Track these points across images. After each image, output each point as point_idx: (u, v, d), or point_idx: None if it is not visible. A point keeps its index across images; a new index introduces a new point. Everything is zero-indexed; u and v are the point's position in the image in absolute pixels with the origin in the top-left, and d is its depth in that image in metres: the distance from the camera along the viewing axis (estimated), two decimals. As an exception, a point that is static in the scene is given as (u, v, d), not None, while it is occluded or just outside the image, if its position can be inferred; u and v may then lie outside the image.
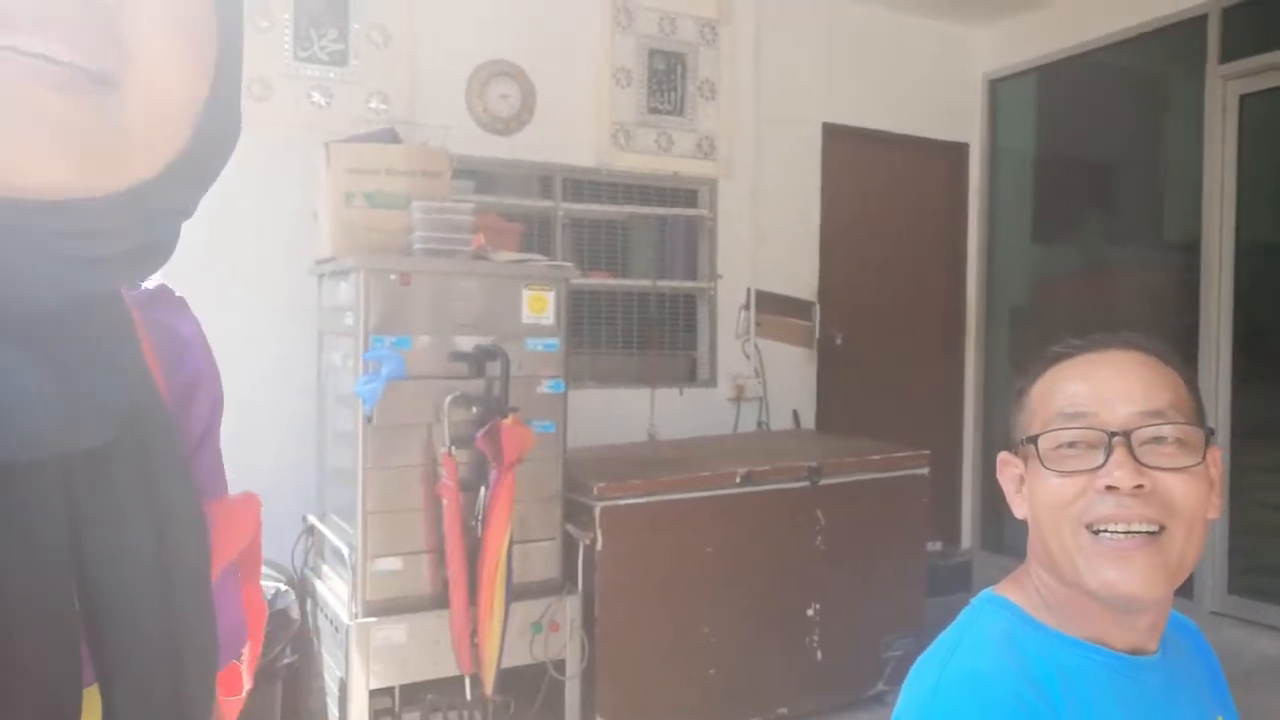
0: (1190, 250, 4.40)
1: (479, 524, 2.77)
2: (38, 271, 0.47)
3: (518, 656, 2.89)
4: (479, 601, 2.75)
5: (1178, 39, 4.41)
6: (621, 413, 4.25)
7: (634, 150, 4.22)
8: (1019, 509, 0.96)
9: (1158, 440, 0.88)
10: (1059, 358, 0.96)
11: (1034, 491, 0.93)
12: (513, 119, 3.96)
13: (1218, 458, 0.91)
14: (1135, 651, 0.91)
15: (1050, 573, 0.92)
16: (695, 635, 3.23)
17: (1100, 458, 0.87)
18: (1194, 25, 4.31)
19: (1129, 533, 0.86)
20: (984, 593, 0.98)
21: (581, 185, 4.21)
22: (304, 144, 3.28)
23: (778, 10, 4.60)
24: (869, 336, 4.92)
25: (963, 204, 5.33)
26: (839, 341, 4.83)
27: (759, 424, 4.61)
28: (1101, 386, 0.91)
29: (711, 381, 4.53)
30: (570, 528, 3.02)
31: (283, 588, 2.91)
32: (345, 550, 2.79)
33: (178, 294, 0.72)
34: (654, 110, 4.25)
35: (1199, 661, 1.01)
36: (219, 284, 3.50)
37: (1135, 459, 0.86)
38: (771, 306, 4.67)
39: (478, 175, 3.96)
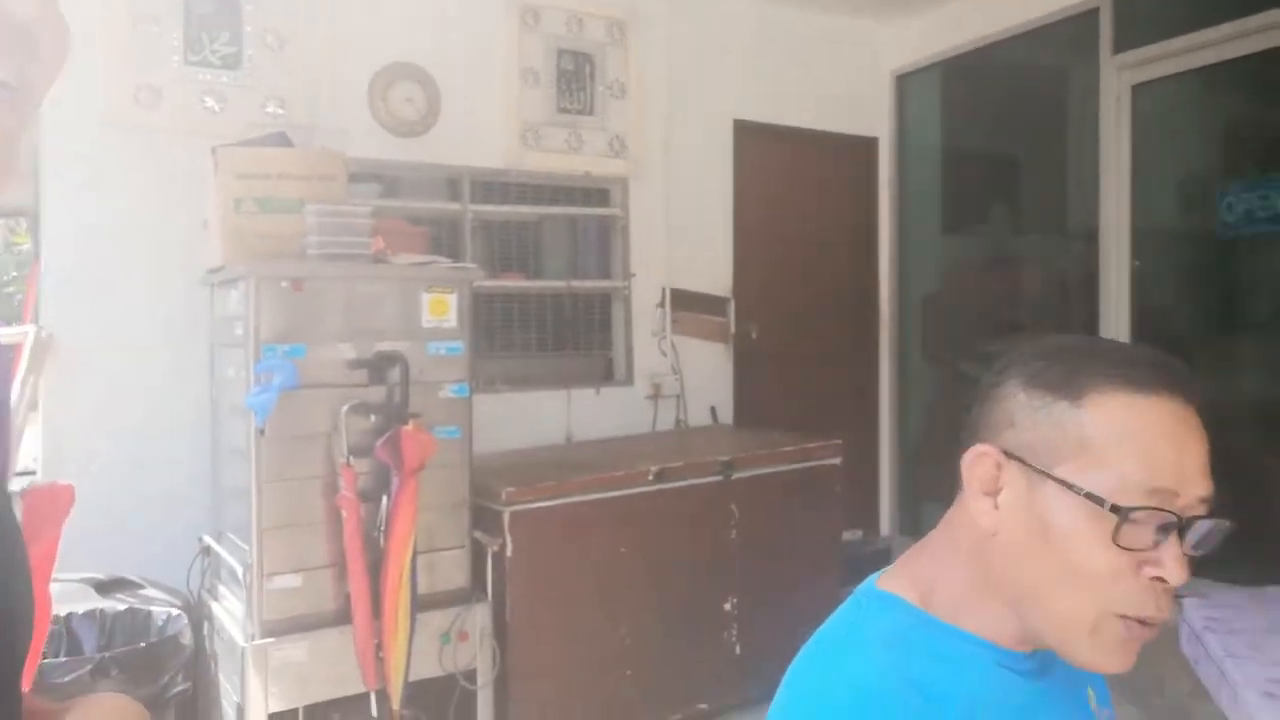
0: (1091, 239, 4.53)
1: (381, 535, 2.71)
2: None
3: (426, 669, 2.84)
4: (383, 614, 2.69)
5: (1072, 31, 4.53)
6: (538, 416, 4.21)
7: (544, 150, 4.19)
8: (984, 518, 0.84)
9: None
10: (1132, 386, 0.81)
11: (1055, 536, 0.81)
12: (418, 121, 3.90)
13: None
14: (1019, 644, 0.89)
15: (994, 598, 0.86)
16: (611, 637, 3.21)
17: (1150, 538, 0.78)
18: (1087, 18, 4.43)
19: (1151, 626, 0.80)
20: (868, 585, 0.92)
21: (491, 187, 4.16)
22: (197, 151, 3.17)
23: (687, 9, 4.61)
24: (784, 330, 4.96)
25: (874, 197, 5.40)
26: (755, 336, 4.86)
27: (677, 422, 4.61)
28: (1186, 458, 0.80)
29: (628, 380, 4.52)
30: (478, 534, 2.98)
31: (174, 612, 2.82)
32: (240, 569, 2.71)
33: None
34: (563, 110, 4.21)
35: None
36: (108, 297, 3.38)
37: (1185, 550, 0.79)
38: (687, 304, 4.68)
39: (383, 179, 3.89)
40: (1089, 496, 0.78)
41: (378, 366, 2.73)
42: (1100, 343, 0.87)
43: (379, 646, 2.71)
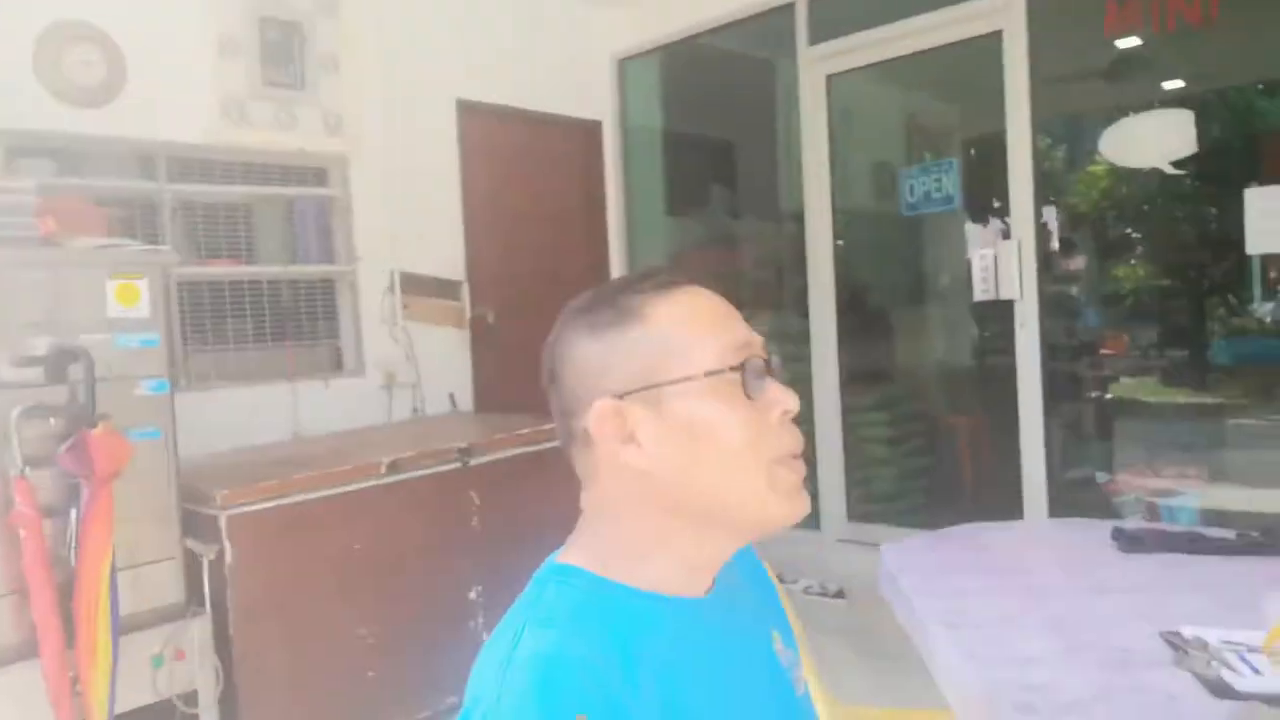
0: (800, 220, 4.87)
1: (71, 553, 2.40)
2: None
3: (137, 697, 2.56)
4: (78, 642, 2.39)
5: (774, 23, 4.84)
6: (259, 413, 3.92)
7: (250, 126, 3.87)
8: (637, 459, 0.86)
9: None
10: (671, 285, 0.90)
11: (704, 431, 0.85)
12: (99, 89, 3.47)
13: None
14: (705, 593, 0.91)
15: (662, 547, 0.89)
16: (350, 639, 3.05)
17: (760, 388, 0.87)
18: (785, 10, 4.74)
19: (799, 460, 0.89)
20: (547, 563, 0.92)
21: (191, 164, 3.80)
22: None
23: (399, -19, 4.44)
24: (520, 313, 4.93)
25: (600, 180, 5.50)
26: (491, 320, 4.81)
27: (414, 411, 4.47)
28: (737, 322, 0.90)
29: (359, 371, 4.32)
30: (190, 543, 2.72)
31: None
32: (-111, 608, 2.30)
33: None
34: (271, 83, 3.92)
35: (751, 582, 1.05)
36: None
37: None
38: (418, 288, 4.53)
39: (59, 154, 3.43)
40: (710, 374, 0.85)
41: (56, 363, 2.41)
42: (612, 281, 0.94)
43: (75, 680, 2.39)
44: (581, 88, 5.33)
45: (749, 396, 0.85)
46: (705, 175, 5.75)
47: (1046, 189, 5.42)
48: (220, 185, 3.88)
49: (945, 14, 4.20)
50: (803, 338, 4.80)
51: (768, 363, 0.88)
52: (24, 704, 2.36)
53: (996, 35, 4.04)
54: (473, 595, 3.41)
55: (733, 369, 0.85)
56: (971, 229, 4.96)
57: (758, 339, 0.90)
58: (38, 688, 2.36)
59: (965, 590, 1.79)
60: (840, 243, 4.82)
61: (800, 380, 4.73)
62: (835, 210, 4.77)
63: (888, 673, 3.31)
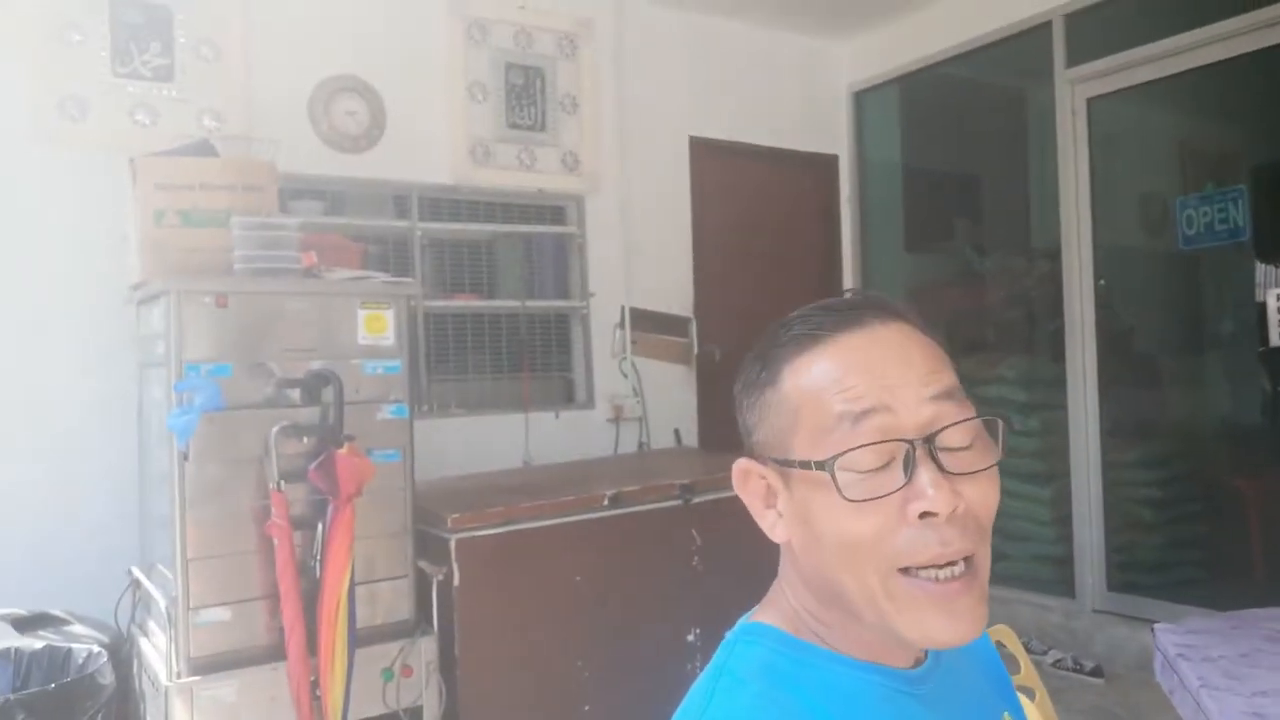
0: (1054, 256, 4.47)
1: (317, 564, 2.55)
2: None
3: (368, 707, 2.66)
4: (320, 650, 2.52)
5: (1026, 46, 4.51)
6: (494, 440, 4.07)
7: (494, 167, 4.07)
8: (776, 531, 0.79)
9: (951, 439, 0.72)
10: (807, 340, 0.76)
11: (815, 520, 0.74)
12: (362, 136, 3.77)
13: (1005, 439, 0.77)
14: (914, 664, 0.79)
15: (832, 605, 0.77)
16: (567, 670, 3.04)
17: (900, 475, 0.70)
18: (1040, 32, 4.41)
19: (949, 570, 0.70)
20: (741, 622, 0.85)
21: (440, 204, 4.04)
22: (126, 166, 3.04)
23: (637, 25, 4.54)
24: (748, 351, 4.85)
25: (835, 215, 5.34)
26: (718, 357, 4.75)
27: (640, 445, 4.48)
28: (882, 373, 0.72)
29: (589, 403, 4.39)
30: (422, 563, 2.82)
31: (95, 650, 2.62)
32: (164, 602, 2.53)
33: None
34: (514, 125, 4.11)
35: (976, 657, 0.91)
36: (33, 317, 3.21)
37: (943, 469, 0.70)
38: (647, 324, 4.56)
39: (326, 195, 3.76)
40: (800, 465, 0.73)
41: (310, 386, 2.58)
42: (785, 320, 0.80)
43: (315, 684, 2.53)
44: (816, 122, 5.21)
45: (848, 499, 0.71)
46: (947, 209, 5.43)
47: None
48: (465, 223, 4.09)
49: (1229, 25, 3.73)
50: (1056, 384, 4.37)
51: (925, 445, 0.71)
52: (271, 700, 2.52)
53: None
54: (690, 638, 3.32)
55: (816, 465, 0.72)
56: (1264, 268, 4.34)
57: (914, 398, 0.72)
58: (283, 687, 2.51)
59: (1270, 691, 1.49)
60: (1101, 282, 4.37)
61: (1053, 431, 4.31)
62: (1096, 246, 4.33)
63: (1157, 769, 2.88)
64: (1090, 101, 4.30)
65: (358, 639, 2.59)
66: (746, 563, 3.43)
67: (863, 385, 0.72)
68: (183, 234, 2.61)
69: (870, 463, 0.71)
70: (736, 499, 2.98)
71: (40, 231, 3.23)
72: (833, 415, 0.72)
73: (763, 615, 0.83)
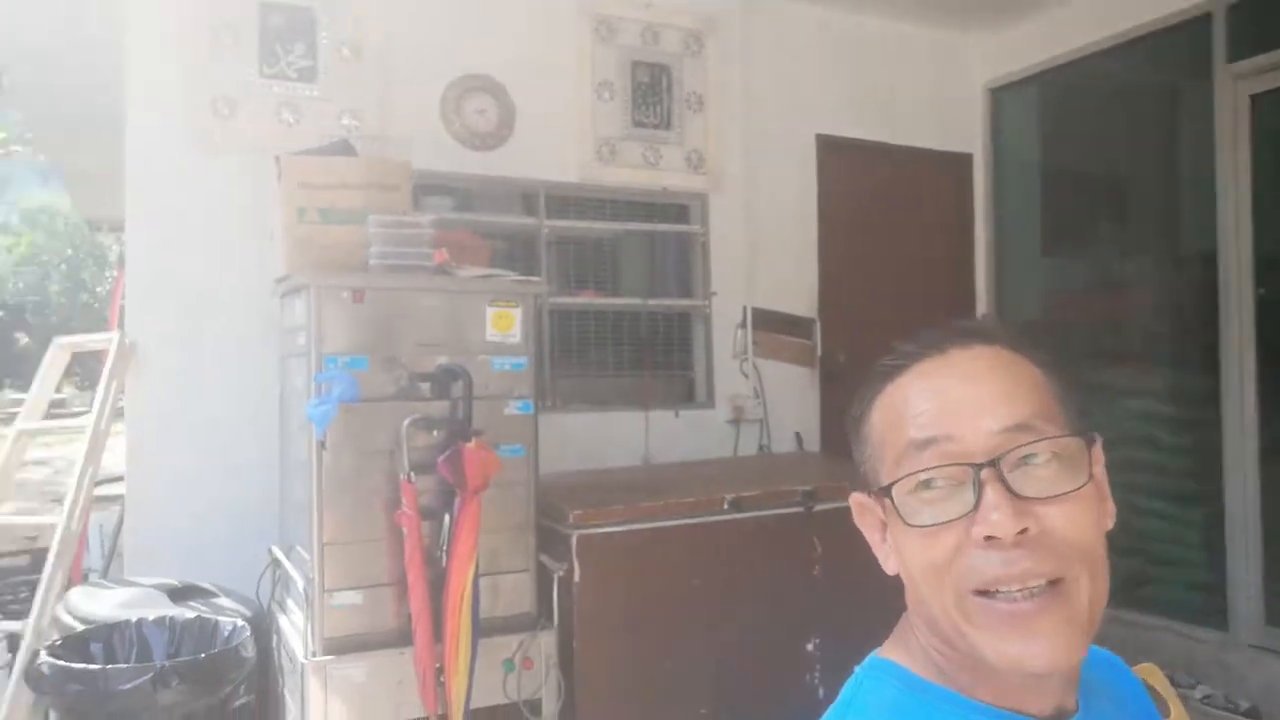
0: (1208, 261, 4.18)
1: (444, 554, 2.60)
2: None
3: (489, 696, 2.70)
4: (445, 637, 2.57)
5: (1181, 40, 4.23)
6: (615, 436, 4.08)
7: (620, 165, 4.09)
8: (888, 563, 0.79)
9: (1028, 460, 0.70)
10: (892, 372, 0.78)
11: (900, 549, 0.75)
12: (491, 134, 3.84)
13: (1100, 456, 0.74)
14: (1055, 713, 0.74)
15: (939, 637, 0.75)
16: (684, 672, 3.02)
17: (969, 498, 0.70)
18: (1198, 25, 4.13)
19: (1025, 591, 0.69)
20: (870, 656, 0.83)
21: (566, 202, 4.08)
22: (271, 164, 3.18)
23: (765, 20, 4.48)
24: (874, 355, 4.63)
25: (968, 216, 5.15)
26: (843, 360, 4.64)
27: (760, 447, 4.42)
28: (950, 400, 0.73)
29: (709, 403, 4.36)
30: (544, 558, 2.85)
31: (240, 623, 2.75)
32: (302, 583, 2.63)
33: None
34: (639, 124, 4.11)
35: (1128, 702, 0.85)
36: (187, 306, 3.40)
37: (1011, 492, 0.69)
38: (770, 324, 4.50)
39: (456, 192, 3.84)
40: (878, 494, 0.75)
41: (440, 380, 2.64)
42: (915, 340, 0.80)
43: (440, 670, 2.58)
44: (950, 120, 5.04)
45: (906, 523, 0.72)
46: (1088, 212, 5.15)
47: None
48: (590, 221, 4.12)
49: None
50: (1209, 399, 4.09)
51: (993, 469, 0.70)
52: (398, 683, 2.59)
53: None
54: (810, 647, 3.25)
55: (879, 491, 0.75)
56: None
57: (980, 428, 0.71)
58: (408, 671, 2.58)
59: None
60: (1262, 290, 4.06)
61: (1205, 449, 4.03)
62: (1257, 252, 4.03)
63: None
64: (1255, 98, 4.01)
65: (481, 629, 2.63)
66: (870, 574, 3.32)
67: (931, 412, 0.73)
68: (323, 231, 2.70)
69: (937, 488, 0.71)
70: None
71: (193, 226, 3.42)
72: (905, 443, 0.74)
73: (891, 652, 0.81)
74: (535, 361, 2.84)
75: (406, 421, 2.57)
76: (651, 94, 4.13)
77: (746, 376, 4.41)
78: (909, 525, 0.72)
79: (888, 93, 4.80)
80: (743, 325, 4.41)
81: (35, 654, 2.65)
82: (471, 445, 2.58)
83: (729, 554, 3.10)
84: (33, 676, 2.47)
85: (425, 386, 2.64)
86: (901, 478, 0.72)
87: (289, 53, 3.47)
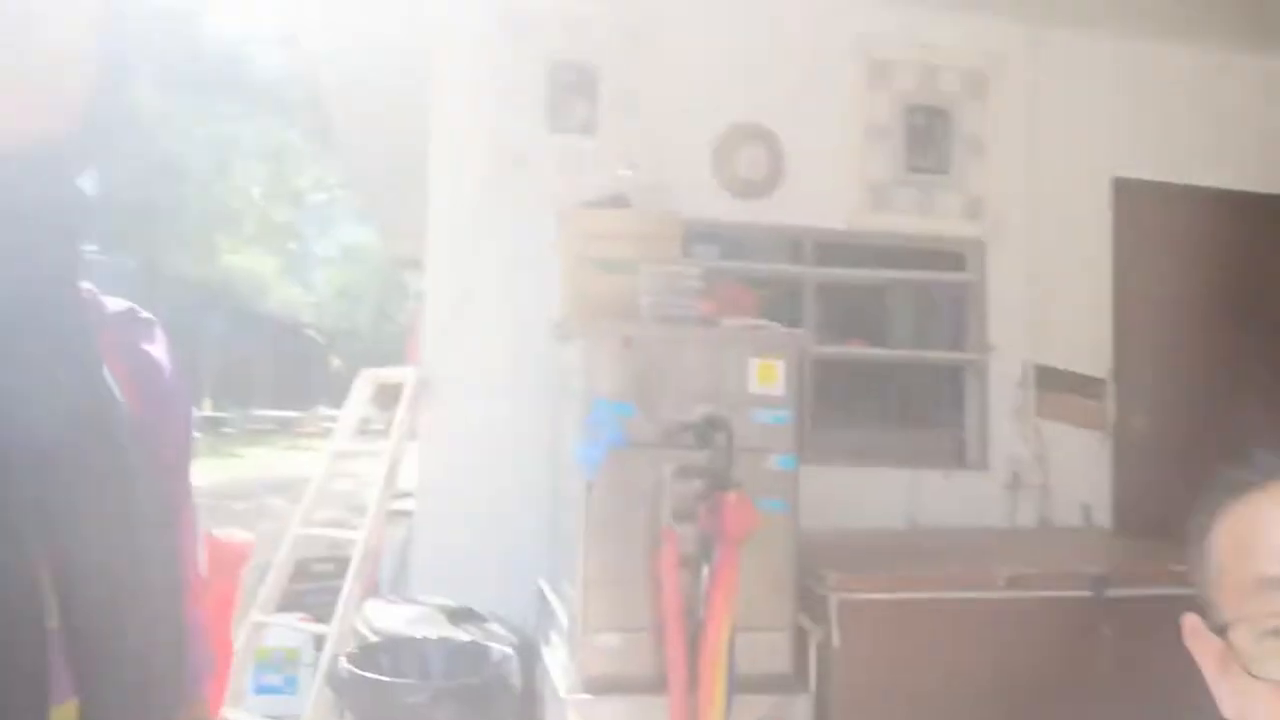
0: None
1: (701, 605, 2.57)
2: None
3: (741, 755, 2.63)
4: (699, 688, 2.54)
5: None
6: (876, 495, 3.90)
7: (890, 212, 3.95)
8: (1224, 705, 0.67)
9: None
10: (1243, 488, 0.66)
11: (1242, 694, 0.64)
12: (760, 183, 3.84)
13: None
14: None
15: None
16: (951, 759, 2.79)
17: None
18: None
19: None
20: None
21: (832, 250, 3.99)
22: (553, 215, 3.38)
23: (1054, 55, 4.17)
24: (1180, 421, 4.18)
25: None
26: (1142, 426, 4.17)
27: (1040, 519, 4.06)
28: None
29: (982, 465, 4.06)
30: (803, 620, 2.74)
31: (508, 651, 2.87)
32: (565, 620, 2.70)
33: (144, 315, 0.72)
34: (913, 169, 3.96)
35: None
36: (477, 345, 3.66)
37: None
38: (1055, 383, 4.14)
39: (723, 240, 3.87)
40: (1211, 629, 0.66)
41: (702, 430, 2.63)
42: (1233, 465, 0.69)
43: (694, 723, 2.55)
44: (1272, 157, 4.43)
45: (1251, 674, 0.62)
46: None
47: None
48: (857, 269, 4.00)
49: None
50: None
51: None
52: (650, 732, 2.57)
53: None
54: (1094, 748, 2.90)
55: (1216, 630, 0.65)
56: None
57: None
58: (664, 718, 2.56)
59: None
60: None
61: None
62: None
63: None
64: None
65: (736, 685, 2.57)
66: (1170, 679, 2.89)
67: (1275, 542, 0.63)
68: (597, 279, 2.81)
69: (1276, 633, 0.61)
70: (1161, 599, 2.53)
71: (488, 270, 3.68)
72: (1253, 577, 0.63)
73: None
74: (797, 414, 2.77)
75: (670, 469, 2.59)
76: (927, 138, 3.96)
77: (1025, 439, 4.07)
78: (1255, 677, 0.61)
79: (1200, 130, 4.30)
80: (1023, 383, 4.09)
81: (335, 659, 2.92)
82: (732, 496, 2.54)
83: (1005, 637, 2.84)
84: (334, 679, 2.72)
85: (688, 435, 2.64)
86: (1244, 618, 0.62)
87: (573, 108, 3.67)
